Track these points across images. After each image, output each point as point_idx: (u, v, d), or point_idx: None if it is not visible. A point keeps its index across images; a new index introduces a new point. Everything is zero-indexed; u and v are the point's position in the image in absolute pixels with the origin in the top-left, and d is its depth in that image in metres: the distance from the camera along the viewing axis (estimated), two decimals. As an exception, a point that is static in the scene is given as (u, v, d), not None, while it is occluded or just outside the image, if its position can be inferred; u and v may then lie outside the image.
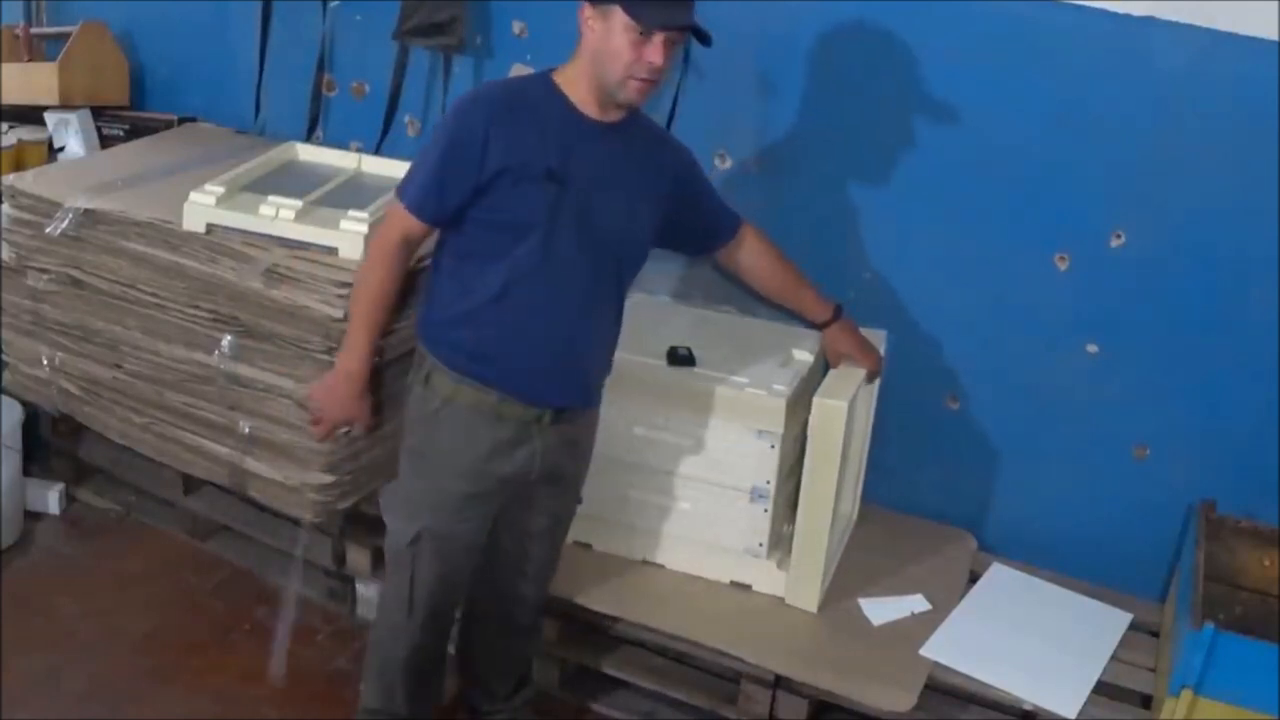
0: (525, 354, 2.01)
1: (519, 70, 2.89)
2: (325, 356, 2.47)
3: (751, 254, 2.28)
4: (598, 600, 2.46)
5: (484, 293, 1.97)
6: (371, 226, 2.47)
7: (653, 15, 1.83)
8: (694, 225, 2.22)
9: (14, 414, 2.98)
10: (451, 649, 2.44)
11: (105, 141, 3.29)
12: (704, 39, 1.90)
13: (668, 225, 2.13)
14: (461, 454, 2.04)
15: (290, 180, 2.73)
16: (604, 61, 1.88)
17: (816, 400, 2.28)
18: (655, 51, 1.85)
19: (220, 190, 2.56)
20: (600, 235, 1.99)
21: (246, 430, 2.64)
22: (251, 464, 2.67)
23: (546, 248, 1.93)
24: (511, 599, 2.30)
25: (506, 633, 2.35)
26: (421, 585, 2.11)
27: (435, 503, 2.07)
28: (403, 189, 1.97)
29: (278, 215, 2.51)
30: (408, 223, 1.96)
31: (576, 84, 1.93)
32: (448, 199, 1.92)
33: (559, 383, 2.06)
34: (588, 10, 1.87)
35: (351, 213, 2.49)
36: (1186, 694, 2.01)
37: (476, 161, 1.87)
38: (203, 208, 2.55)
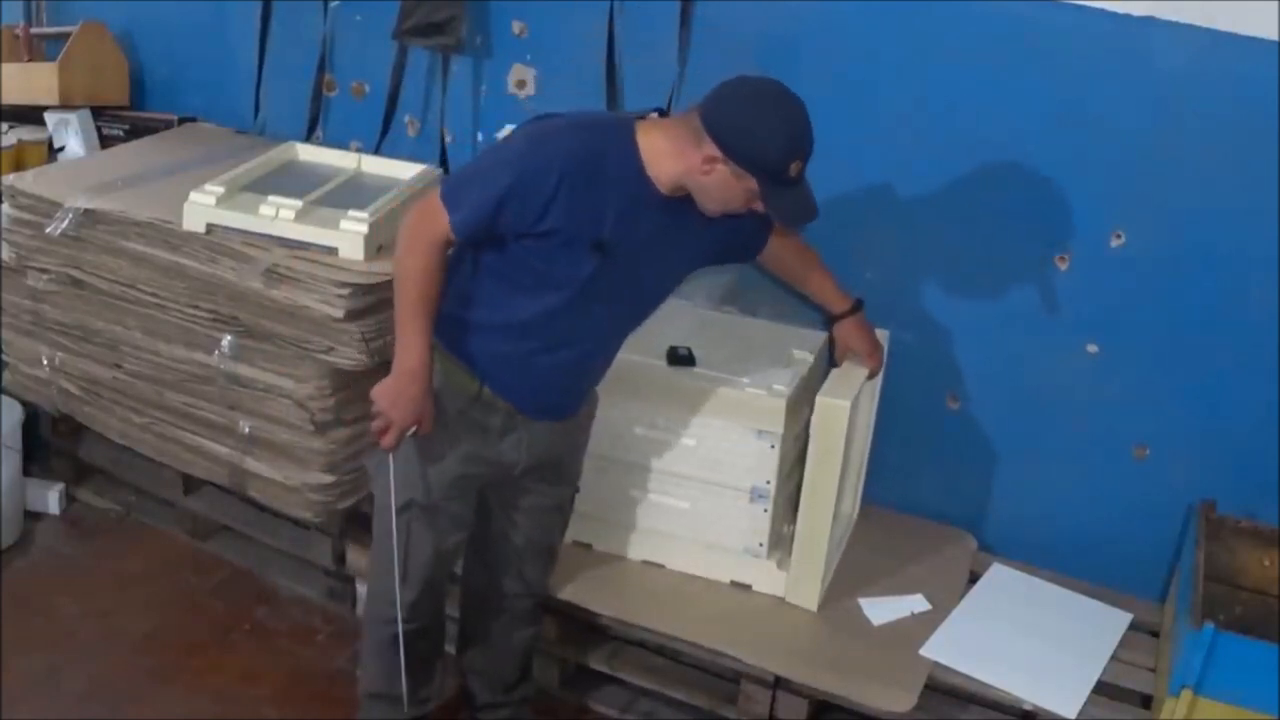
0: (525, 383, 2.03)
1: (520, 73, 2.89)
2: (325, 357, 2.48)
3: (775, 243, 2.27)
4: (598, 600, 2.46)
5: (503, 316, 1.97)
6: (371, 226, 2.47)
7: (793, 216, 1.89)
8: (741, 244, 2.22)
9: (14, 414, 2.98)
10: (451, 649, 2.45)
11: (105, 141, 3.29)
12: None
13: (717, 255, 2.17)
14: (454, 435, 2.05)
15: (290, 180, 2.73)
16: (712, 197, 1.88)
17: (819, 399, 2.28)
18: (760, 205, 1.88)
19: (220, 190, 2.56)
20: (633, 296, 2.02)
21: (246, 430, 2.64)
22: (251, 464, 2.68)
23: (577, 305, 1.94)
24: (507, 578, 2.30)
25: (505, 620, 2.35)
26: (414, 553, 2.12)
27: (426, 478, 2.07)
28: (452, 199, 1.89)
29: (278, 215, 2.51)
30: (449, 231, 1.91)
31: (659, 163, 1.89)
32: (492, 230, 1.89)
33: (549, 408, 2.09)
34: (717, 153, 1.82)
35: (351, 213, 2.50)
36: (1186, 694, 2.01)
37: (536, 214, 1.84)
38: (203, 208, 2.55)
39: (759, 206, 1.88)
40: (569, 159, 1.84)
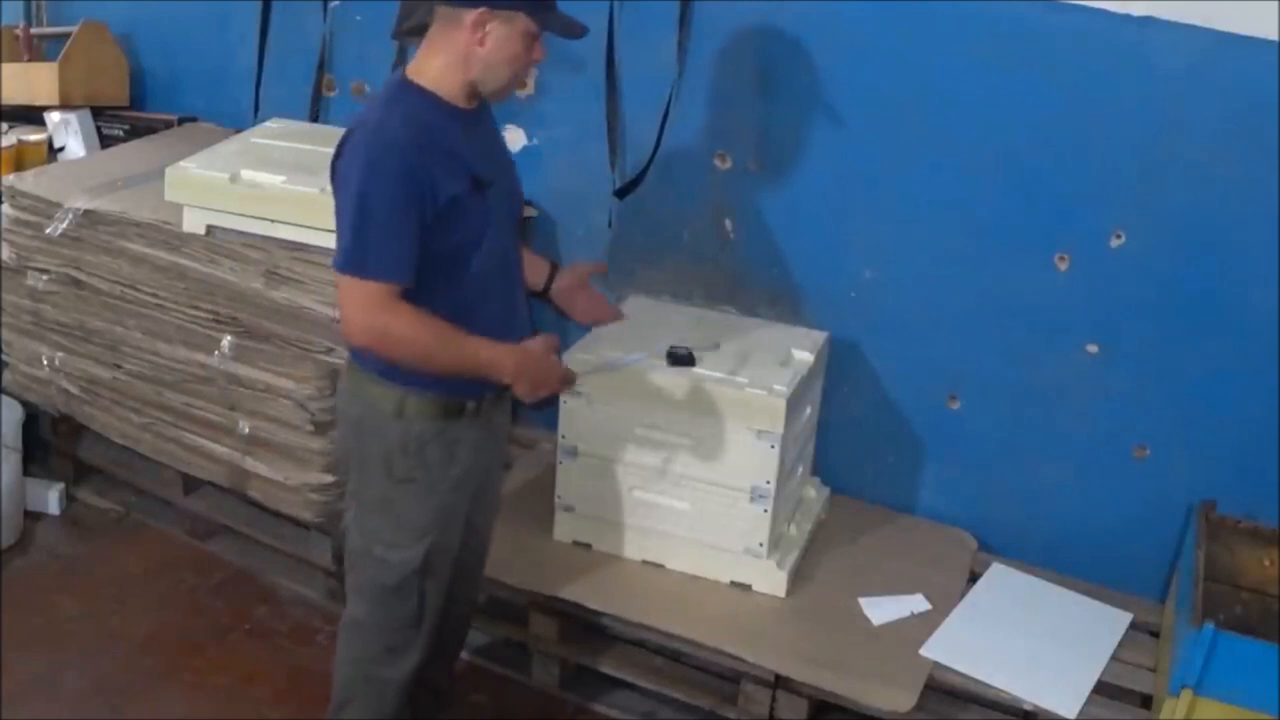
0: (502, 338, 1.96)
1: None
2: (325, 357, 2.48)
3: None
4: (598, 600, 2.46)
5: (452, 307, 1.89)
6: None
7: (573, 27, 1.89)
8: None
9: (14, 414, 2.98)
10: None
11: (105, 141, 3.29)
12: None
13: None
14: (458, 466, 2.00)
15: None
16: (499, 66, 1.85)
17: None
18: (541, 50, 1.88)
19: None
20: (509, 210, 2.01)
21: (246, 430, 2.64)
22: (251, 464, 2.68)
23: (489, 240, 1.91)
24: (476, 582, 2.29)
25: (465, 621, 2.33)
26: (430, 602, 2.07)
27: (441, 521, 2.02)
28: (370, 266, 1.79)
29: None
30: (392, 289, 1.81)
31: (447, 82, 1.86)
32: (424, 246, 1.83)
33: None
34: (484, 16, 1.80)
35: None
36: (1186, 694, 2.01)
37: (432, 192, 1.80)
38: (203, 209, 2.55)
39: (539, 52, 1.87)
40: (405, 134, 1.80)
